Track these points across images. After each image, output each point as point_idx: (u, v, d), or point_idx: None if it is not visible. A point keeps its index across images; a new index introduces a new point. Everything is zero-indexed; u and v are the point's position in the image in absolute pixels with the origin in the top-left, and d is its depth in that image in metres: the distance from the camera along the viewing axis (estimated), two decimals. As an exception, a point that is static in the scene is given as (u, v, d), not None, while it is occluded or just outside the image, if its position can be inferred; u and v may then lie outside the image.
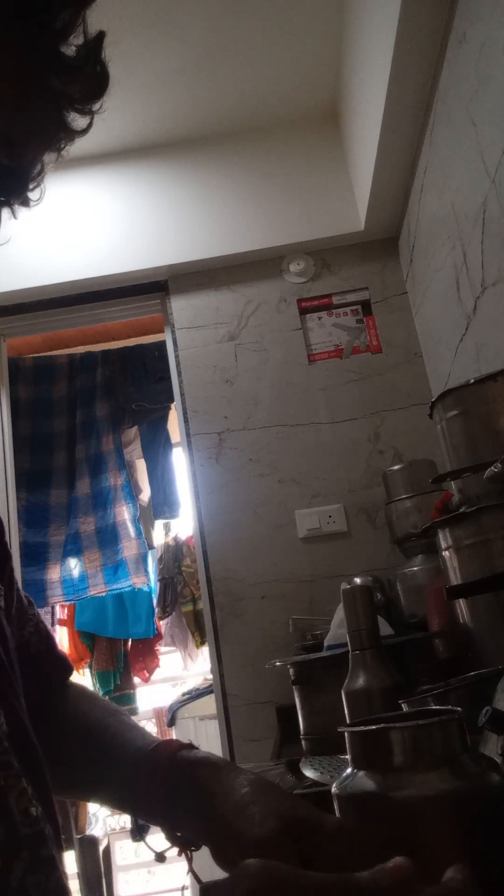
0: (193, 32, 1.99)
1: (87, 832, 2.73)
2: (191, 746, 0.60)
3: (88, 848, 2.66)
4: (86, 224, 2.33)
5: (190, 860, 0.59)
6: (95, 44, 0.51)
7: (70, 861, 2.69)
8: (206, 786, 0.55)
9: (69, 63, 0.50)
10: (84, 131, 0.54)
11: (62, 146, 0.54)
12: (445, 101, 1.63)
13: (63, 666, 0.71)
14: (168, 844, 0.60)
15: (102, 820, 3.24)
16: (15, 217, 0.55)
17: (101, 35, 0.51)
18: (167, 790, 0.58)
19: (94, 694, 0.74)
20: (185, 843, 0.59)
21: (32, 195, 0.55)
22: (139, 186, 2.37)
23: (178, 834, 0.59)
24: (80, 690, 0.72)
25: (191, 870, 0.59)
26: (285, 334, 2.28)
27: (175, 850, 0.59)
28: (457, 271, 1.74)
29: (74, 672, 0.74)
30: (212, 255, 2.29)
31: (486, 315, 1.60)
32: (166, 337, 2.37)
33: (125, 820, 3.57)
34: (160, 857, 0.60)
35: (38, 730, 0.54)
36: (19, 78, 0.48)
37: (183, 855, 0.59)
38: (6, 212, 0.55)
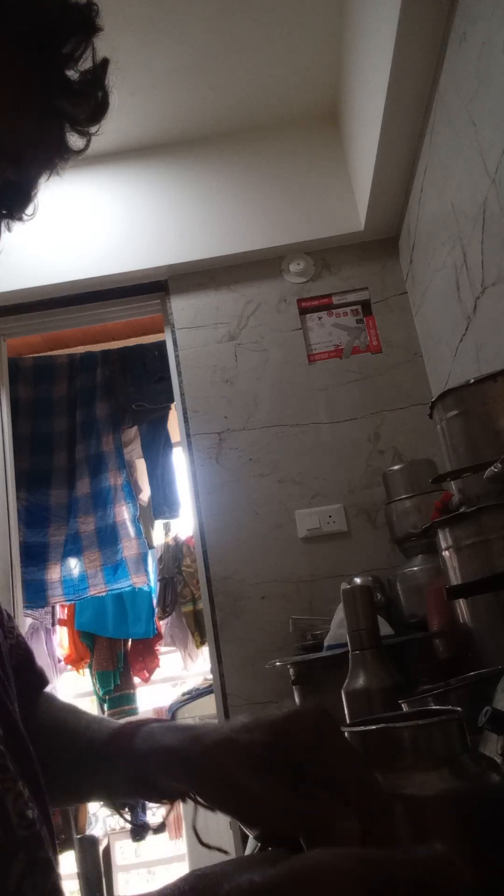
0: (193, 32, 1.99)
1: (87, 832, 2.73)
2: (151, 721, 0.59)
3: (88, 848, 2.66)
4: (86, 224, 2.33)
5: (195, 801, 0.57)
6: (101, 70, 0.55)
7: (70, 861, 2.69)
8: (176, 747, 0.54)
9: (76, 86, 0.54)
10: (81, 151, 0.58)
11: (60, 164, 0.58)
12: (445, 101, 1.63)
13: (40, 680, 0.71)
14: (149, 821, 0.59)
15: (102, 820, 3.24)
16: (10, 230, 0.59)
17: (105, 62, 0.55)
18: (138, 763, 0.57)
19: (58, 699, 0.73)
20: (178, 796, 0.57)
21: (28, 210, 0.58)
22: (139, 186, 2.37)
23: (158, 793, 0.57)
24: (47, 697, 0.72)
25: (196, 804, 0.55)
26: (285, 334, 2.28)
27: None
28: (457, 271, 1.74)
29: (63, 675, 0.73)
30: (212, 255, 2.29)
31: (486, 315, 1.60)
32: (166, 337, 2.37)
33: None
34: (138, 832, 0.59)
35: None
36: (31, 99, 0.52)
37: (183, 801, 0.56)
38: (4, 225, 0.58)
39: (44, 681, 0.72)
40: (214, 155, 2.38)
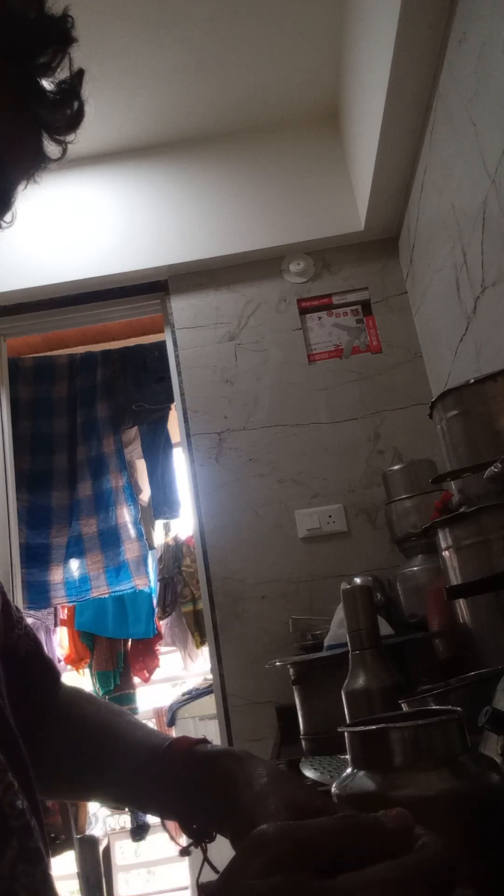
0: (193, 32, 1.99)
1: (87, 832, 2.73)
2: (205, 741, 0.62)
3: (88, 848, 2.66)
4: (86, 224, 2.33)
5: (205, 850, 0.60)
6: (77, 80, 0.57)
7: (70, 861, 2.69)
8: (229, 774, 0.57)
9: (53, 95, 0.55)
10: (58, 159, 0.59)
11: (37, 172, 0.59)
12: (445, 101, 1.63)
13: (52, 669, 0.73)
14: (188, 839, 0.60)
15: (102, 820, 3.23)
16: None
17: (81, 72, 0.57)
18: (184, 783, 0.59)
19: (95, 696, 0.75)
20: (200, 835, 0.60)
21: (7, 218, 0.59)
22: (139, 186, 2.37)
23: (194, 826, 0.60)
24: (79, 692, 0.73)
25: (206, 860, 0.60)
26: (285, 334, 2.28)
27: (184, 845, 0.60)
28: (457, 271, 1.74)
29: (64, 675, 0.75)
30: (212, 255, 2.29)
31: (486, 315, 1.60)
32: (166, 337, 2.37)
33: (125, 820, 3.57)
34: (185, 851, 0.61)
35: (29, 730, 0.54)
36: (9, 105, 0.53)
37: (199, 847, 0.60)
38: None
39: (56, 670, 0.73)
40: (214, 155, 2.38)
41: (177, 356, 2.30)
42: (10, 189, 0.57)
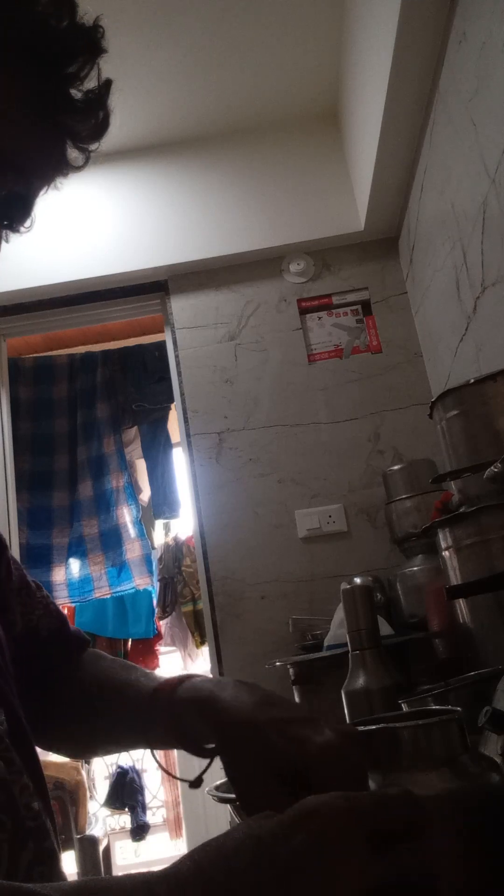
0: (193, 32, 1.99)
1: (87, 832, 2.73)
2: (189, 678, 0.61)
3: (88, 848, 2.66)
4: (86, 224, 2.33)
5: (211, 760, 0.59)
6: (104, 90, 0.57)
7: (70, 861, 2.69)
8: (204, 690, 0.57)
9: (79, 104, 0.56)
10: (81, 167, 0.61)
11: (59, 179, 0.60)
12: (445, 101, 1.63)
13: (78, 642, 0.73)
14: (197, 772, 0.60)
15: (102, 820, 3.24)
16: (7, 241, 0.61)
17: (108, 82, 0.57)
18: (175, 722, 0.59)
19: (107, 655, 0.75)
20: (204, 751, 0.59)
21: (26, 223, 0.61)
22: (139, 186, 2.37)
23: (207, 747, 0.59)
24: (95, 654, 0.74)
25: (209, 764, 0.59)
26: (285, 334, 2.28)
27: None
28: (457, 271, 1.74)
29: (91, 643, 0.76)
30: (212, 255, 2.29)
31: (486, 315, 1.60)
32: (166, 337, 2.37)
33: (125, 820, 3.57)
34: (197, 783, 0.60)
35: (51, 705, 0.54)
36: (36, 113, 0.54)
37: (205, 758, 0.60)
38: (3, 236, 0.61)
39: (81, 642, 0.73)
40: (214, 155, 2.38)
41: (177, 356, 2.30)
42: (33, 196, 0.58)
